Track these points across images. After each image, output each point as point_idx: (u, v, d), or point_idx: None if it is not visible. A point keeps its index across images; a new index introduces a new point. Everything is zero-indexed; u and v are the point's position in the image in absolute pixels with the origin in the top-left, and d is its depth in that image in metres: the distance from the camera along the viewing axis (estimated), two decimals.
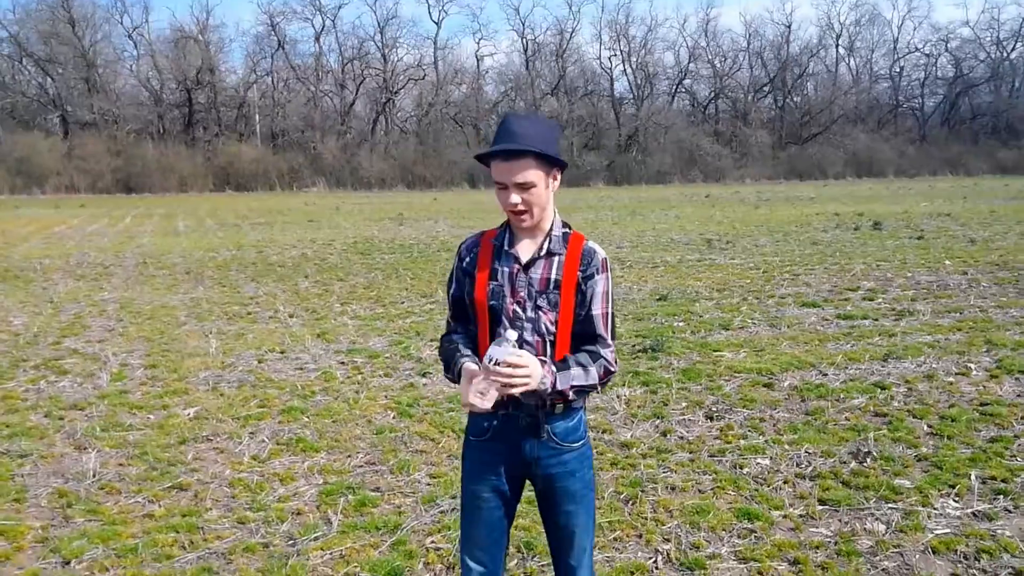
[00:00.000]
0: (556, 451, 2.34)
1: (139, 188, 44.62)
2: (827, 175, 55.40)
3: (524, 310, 2.29)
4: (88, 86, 51.46)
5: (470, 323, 2.40)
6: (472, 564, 2.42)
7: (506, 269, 2.32)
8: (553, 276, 2.29)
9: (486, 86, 63.44)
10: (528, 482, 2.45)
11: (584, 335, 2.33)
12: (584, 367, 2.28)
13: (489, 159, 2.25)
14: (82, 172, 44.12)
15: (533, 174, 2.21)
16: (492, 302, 2.31)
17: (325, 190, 47.88)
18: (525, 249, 2.34)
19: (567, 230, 2.36)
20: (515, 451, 2.34)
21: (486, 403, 2.13)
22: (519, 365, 2.11)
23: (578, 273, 2.29)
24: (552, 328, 2.28)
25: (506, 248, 2.34)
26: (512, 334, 2.14)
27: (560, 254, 2.31)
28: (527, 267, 2.31)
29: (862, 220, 20.30)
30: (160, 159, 46.87)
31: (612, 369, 2.34)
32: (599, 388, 2.33)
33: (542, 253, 2.31)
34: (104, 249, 16.98)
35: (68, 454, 5.03)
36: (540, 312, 2.28)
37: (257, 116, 57.38)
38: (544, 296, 2.28)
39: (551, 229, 2.33)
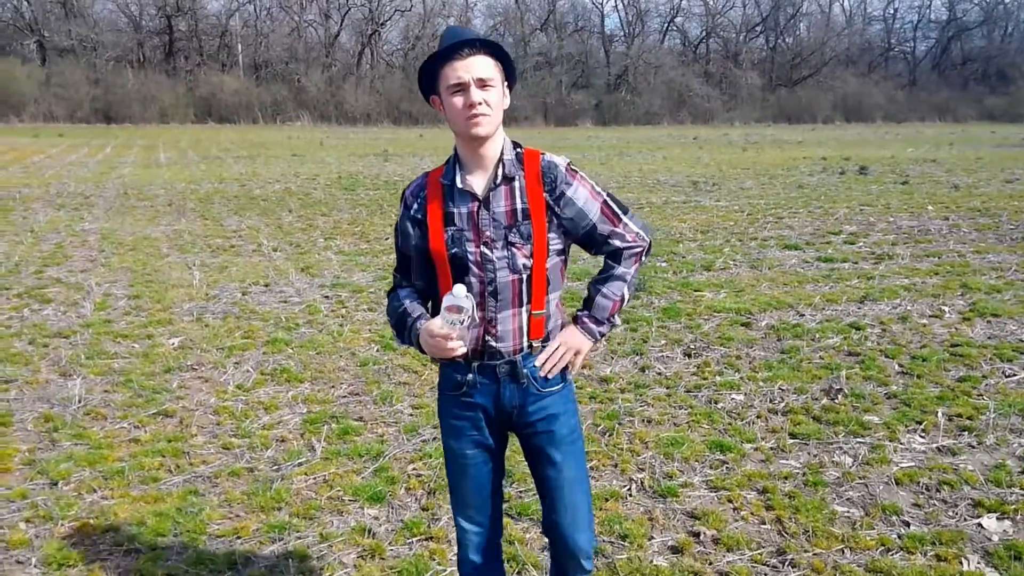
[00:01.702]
0: (537, 396, 2.17)
1: (119, 118, 43.75)
2: (816, 119, 55.10)
3: (493, 250, 2.06)
4: (65, 10, 50.00)
5: (419, 278, 2.20)
6: (467, 525, 2.30)
7: (463, 210, 2.08)
8: (519, 205, 2.06)
9: (474, 19, 62.17)
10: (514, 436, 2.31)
11: (597, 243, 2.16)
12: (610, 283, 2.18)
13: (444, 62, 2.01)
14: (61, 100, 43.20)
15: (493, 70, 2.03)
16: (454, 250, 2.08)
17: (309, 124, 47.17)
18: (479, 182, 2.09)
19: (519, 150, 2.13)
20: (494, 401, 2.17)
21: (460, 346, 2.02)
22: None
23: (544, 195, 2.07)
24: (528, 262, 2.07)
25: (458, 185, 2.08)
26: (460, 288, 1.96)
27: (518, 175, 2.08)
28: (486, 202, 2.07)
29: (848, 164, 20.32)
30: (140, 88, 45.89)
31: (639, 245, 2.19)
32: (638, 277, 2.25)
33: (498, 181, 2.07)
34: (84, 179, 16.76)
35: (53, 380, 5.08)
36: (513, 249, 2.06)
37: (240, 46, 56.06)
38: (514, 230, 2.06)
39: (502, 153, 2.09)
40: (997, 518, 3.43)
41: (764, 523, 3.43)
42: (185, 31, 53.28)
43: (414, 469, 3.92)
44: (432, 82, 2.08)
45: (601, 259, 2.26)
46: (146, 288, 7.45)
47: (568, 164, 2.12)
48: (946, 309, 6.68)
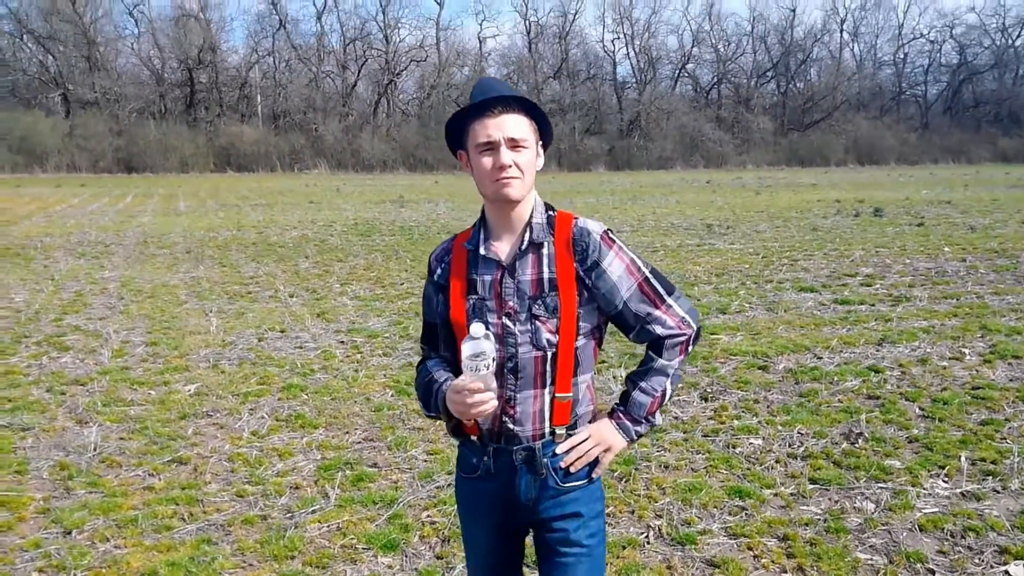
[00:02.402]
0: (556, 491, 1.94)
1: (140, 168, 44.54)
2: (829, 162, 55.27)
3: (515, 322, 1.88)
4: (89, 64, 51.29)
5: (447, 348, 2.03)
6: None
7: (486, 277, 1.92)
8: (546, 275, 1.89)
9: (488, 68, 63.16)
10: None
11: (634, 326, 1.95)
12: (650, 377, 1.96)
13: (474, 117, 1.86)
14: (83, 151, 44.07)
15: (527, 130, 1.88)
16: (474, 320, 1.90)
17: (326, 172, 47.82)
18: (504, 247, 1.93)
19: (551, 213, 1.96)
20: (510, 491, 1.95)
21: (488, 403, 1.81)
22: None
23: (575, 265, 1.89)
24: (553, 339, 1.88)
25: (482, 252, 1.93)
26: (478, 327, 1.77)
27: (547, 242, 1.91)
28: (511, 269, 1.90)
29: (862, 207, 20.30)
30: (161, 139, 46.75)
31: (684, 333, 1.96)
32: (683, 369, 2.03)
33: (524, 246, 1.90)
34: (105, 228, 17.00)
35: (69, 428, 5.10)
36: (537, 322, 1.88)
37: (259, 97, 57.21)
38: (539, 301, 1.88)
39: (531, 216, 1.92)
40: None
41: (785, 571, 3.36)
42: (206, 83, 54.45)
43: (428, 516, 3.88)
44: (460, 136, 1.94)
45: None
46: (163, 335, 7.50)
47: (605, 232, 1.92)
48: (966, 351, 6.60)
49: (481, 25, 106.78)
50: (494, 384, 1.82)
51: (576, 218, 1.95)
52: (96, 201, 24.67)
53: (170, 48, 53.93)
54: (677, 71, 65.68)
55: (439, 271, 2.01)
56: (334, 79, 58.84)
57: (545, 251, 1.90)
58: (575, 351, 1.90)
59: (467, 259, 1.96)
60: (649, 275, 1.94)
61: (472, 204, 23.36)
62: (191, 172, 45.37)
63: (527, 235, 1.91)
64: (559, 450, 1.94)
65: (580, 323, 1.90)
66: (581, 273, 1.89)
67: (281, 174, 46.54)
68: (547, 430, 1.93)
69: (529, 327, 1.88)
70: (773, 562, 3.42)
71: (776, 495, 4.07)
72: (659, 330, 1.94)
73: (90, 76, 50.56)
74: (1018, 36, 65.85)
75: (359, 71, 58.56)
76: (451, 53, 61.29)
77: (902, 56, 68.38)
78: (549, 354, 1.89)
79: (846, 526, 3.71)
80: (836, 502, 3.98)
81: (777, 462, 4.48)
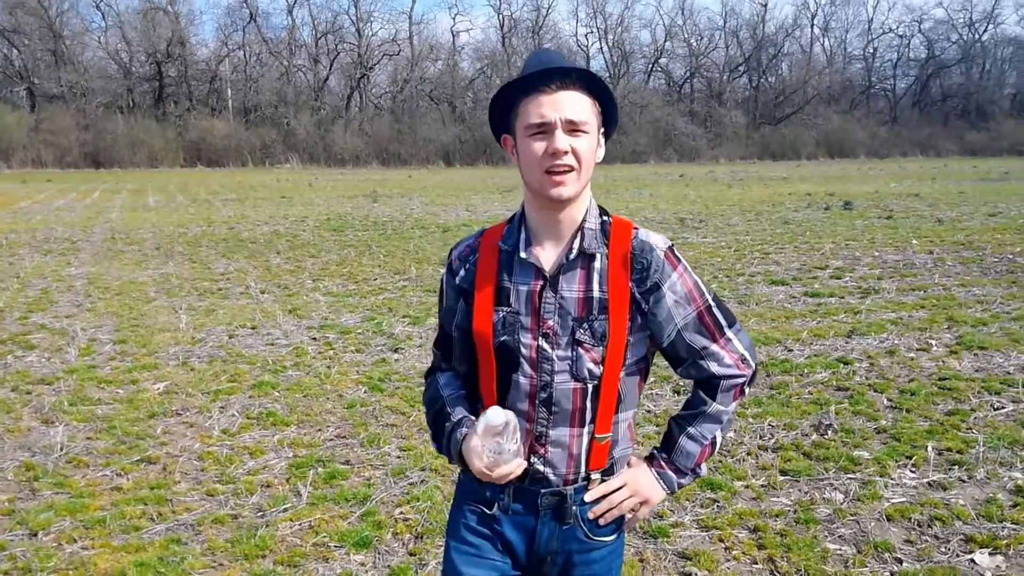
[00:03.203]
0: (582, 545, 1.68)
1: (108, 163, 43.94)
2: (800, 155, 55.83)
3: (553, 346, 1.59)
4: (55, 58, 50.47)
5: (463, 362, 1.74)
6: None
7: (522, 287, 1.62)
8: (595, 293, 1.59)
9: (462, 63, 63.08)
10: None
11: (685, 359, 1.68)
12: (700, 422, 1.69)
13: (526, 93, 1.55)
14: (49, 146, 43.37)
15: (588, 111, 1.56)
16: (503, 337, 1.62)
17: (298, 166, 47.45)
18: (548, 254, 1.62)
19: (606, 219, 1.67)
20: (525, 538, 1.69)
21: (516, 462, 1.60)
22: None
23: (630, 285, 1.60)
24: (597, 370, 1.60)
25: (521, 254, 1.62)
26: (497, 414, 1.55)
27: (600, 254, 1.61)
28: (553, 281, 1.60)
29: (833, 200, 20.53)
30: (130, 133, 46.17)
31: (742, 375, 1.69)
32: (740, 403, 1.77)
33: (572, 255, 1.60)
34: (72, 224, 16.73)
35: (35, 428, 5.01)
36: (580, 349, 1.59)
37: (229, 91, 56.61)
38: (585, 325, 1.58)
39: (584, 219, 1.63)
40: (990, 553, 3.40)
41: (756, 562, 3.39)
42: (175, 76, 53.80)
43: (401, 513, 3.86)
44: (506, 116, 1.63)
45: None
46: (132, 333, 7.39)
47: (669, 248, 1.64)
48: (933, 343, 6.70)
49: (454, 19, 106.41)
50: (519, 455, 1.60)
51: (636, 228, 1.67)
52: (63, 197, 24.26)
53: (138, 41, 53.21)
54: (650, 65, 66.05)
55: (462, 272, 1.70)
56: (306, 73, 58.43)
57: (597, 264, 1.61)
58: (619, 386, 1.63)
59: (498, 261, 1.65)
60: (712, 303, 1.66)
61: (444, 199, 23.30)
62: (160, 167, 44.80)
63: (577, 242, 1.61)
64: (588, 497, 1.67)
65: (628, 354, 1.62)
66: (638, 295, 1.60)
67: (252, 169, 46.10)
68: (582, 473, 1.66)
69: (570, 354, 1.59)
70: (744, 553, 3.45)
71: (747, 487, 4.10)
72: (715, 368, 1.66)
73: (56, 70, 49.76)
74: (984, 31, 67.05)
75: (331, 65, 58.19)
76: (424, 47, 61.09)
77: (872, 51, 69.35)
78: (590, 387, 1.60)
79: (816, 517, 3.76)
80: (806, 493, 4.03)
81: (748, 454, 4.51)
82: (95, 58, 54.47)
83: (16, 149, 42.23)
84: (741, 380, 1.69)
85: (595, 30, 64.79)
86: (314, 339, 7.21)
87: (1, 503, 3.99)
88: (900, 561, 3.38)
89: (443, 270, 1.78)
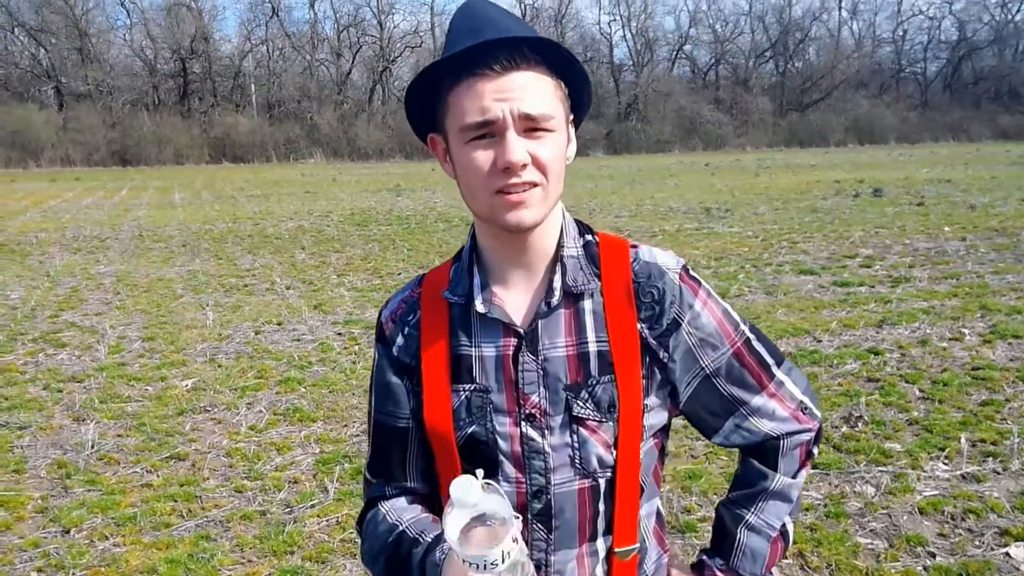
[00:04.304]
0: None
1: (135, 160, 44.41)
2: (828, 142, 55.10)
3: (543, 432, 1.12)
4: (81, 56, 51.05)
5: (416, 477, 1.21)
6: None
7: (488, 352, 1.14)
8: (591, 346, 1.12)
9: None
10: None
11: (721, 415, 1.21)
12: (761, 506, 1.24)
13: (459, 76, 1.06)
14: (77, 145, 43.92)
15: (551, 98, 1.07)
16: (469, 429, 1.13)
17: (322, 161, 47.69)
18: (517, 300, 1.15)
19: (591, 238, 1.19)
20: None
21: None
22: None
23: (640, 327, 1.13)
24: (609, 456, 1.13)
25: (479, 308, 1.13)
26: (464, 485, 0.93)
27: (591, 289, 1.14)
28: (531, 339, 1.13)
29: (862, 187, 20.24)
30: (156, 131, 46.60)
31: (806, 429, 1.24)
32: (810, 468, 1.30)
33: (553, 298, 1.13)
34: (100, 222, 16.95)
35: (67, 426, 5.08)
36: (582, 429, 1.12)
37: (253, 86, 56.97)
38: (584, 393, 1.12)
39: (560, 246, 1.15)
40: None
41: (786, 557, 3.34)
42: (199, 73, 54.24)
43: None
44: (431, 107, 1.14)
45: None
46: (160, 330, 7.48)
47: (684, 268, 1.18)
48: (966, 332, 6.58)
49: None
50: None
51: (635, 246, 1.18)
52: (91, 195, 24.59)
53: (162, 38, 53.68)
54: (674, 53, 65.54)
55: (400, 340, 1.19)
56: (328, 67, 58.65)
57: (587, 305, 1.14)
58: (639, 471, 1.15)
59: (449, 319, 1.16)
60: (750, 335, 1.21)
61: None
62: (186, 164, 45.23)
63: (556, 279, 1.13)
64: None
65: (647, 422, 1.15)
66: (652, 341, 1.14)
67: (277, 164, 46.41)
68: None
69: (568, 439, 1.12)
70: None
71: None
72: (767, 426, 1.21)
73: (82, 68, 50.35)
74: (1017, 11, 65.55)
75: (353, 58, 58.36)
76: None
77: (901, 33, 68.19)
78: (602, 483, 1.13)
79: (846, 510, 3.70)
80: (836, 486, 3.97)
81: None
82: (120, 56, 55.14)
83: (45, 148, 42.81)
84: (807, 436, 1.24)
85: (618, 17, 64.83)
86: (339, 334, 7.24)
87: (34, 500, 4.05)
88: (933, 555, 3.32)
89: (374, 339, 1.25)
